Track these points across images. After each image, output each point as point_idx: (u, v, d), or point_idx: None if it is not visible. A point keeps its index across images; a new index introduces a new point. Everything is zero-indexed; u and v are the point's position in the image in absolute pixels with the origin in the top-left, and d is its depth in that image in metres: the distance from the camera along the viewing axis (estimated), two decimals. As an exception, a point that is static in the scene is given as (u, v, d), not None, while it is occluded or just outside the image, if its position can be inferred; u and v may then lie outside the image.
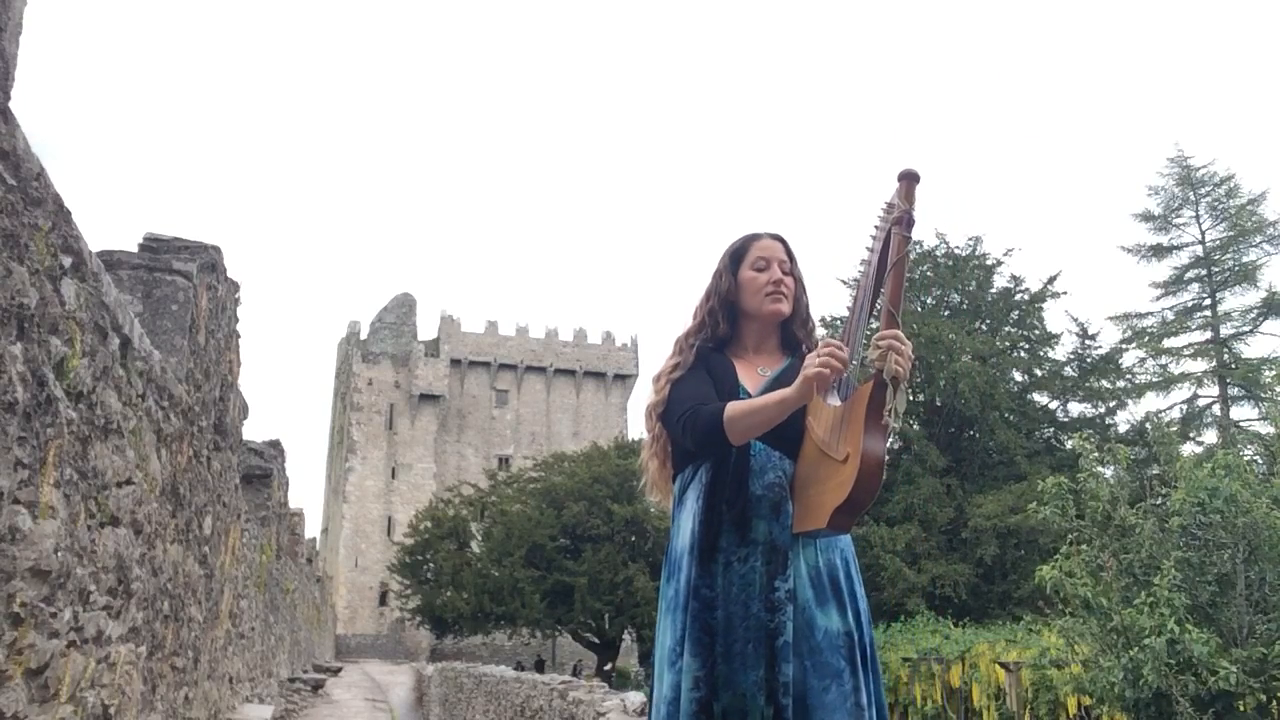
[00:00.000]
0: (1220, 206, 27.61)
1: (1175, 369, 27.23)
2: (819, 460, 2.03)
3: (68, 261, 2.51)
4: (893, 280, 1.94)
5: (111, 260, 4.11)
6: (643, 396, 2.37)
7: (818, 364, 1.92)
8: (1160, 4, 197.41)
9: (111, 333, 2.94)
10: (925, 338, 21.76)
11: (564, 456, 32.02)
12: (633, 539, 28.27)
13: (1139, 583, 6.32)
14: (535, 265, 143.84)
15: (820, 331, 2.46)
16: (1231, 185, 27.44)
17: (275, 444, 9.83)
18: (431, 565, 30.42)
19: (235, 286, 5.77)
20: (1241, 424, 25.66)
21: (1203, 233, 27.87)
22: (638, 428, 56.64)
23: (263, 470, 8.98)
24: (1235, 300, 27.41)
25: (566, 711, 8.08)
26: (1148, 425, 19.29)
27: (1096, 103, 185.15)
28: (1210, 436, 25.84)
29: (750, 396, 2.16)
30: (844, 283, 24.93)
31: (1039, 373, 25.14)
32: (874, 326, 2.04)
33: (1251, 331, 27.41)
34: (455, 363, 60.11)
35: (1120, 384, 25.65)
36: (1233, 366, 26.27)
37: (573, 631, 30.14)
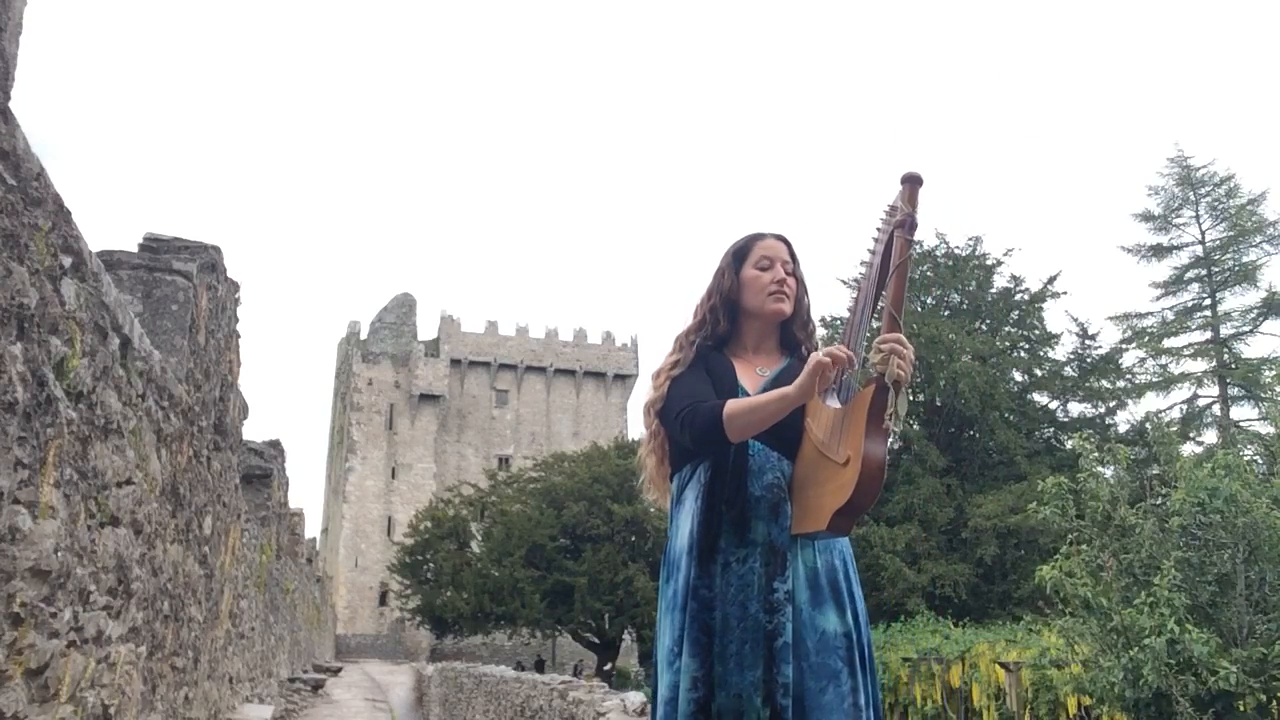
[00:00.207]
0: (1220, 206, 27.61)
1: (1175, 369, 27.25)
2: (818, 462, 2.03)
3: (68, 261, 2.51)
4: (895, 283, 1.93)
5: (111, 260, 4.11)
6: (643, 395, 2.37)
7: (823, 354, 1.92)
8: (1160, 4, 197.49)
9: (111, 333, 2.94)
10: (925, 338, 21.77)
11: (564, 456, 32.02)
12: (633, 539, 28.27)
13: (1139, 583, 6.32)
14: (535, 265, 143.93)
15: (820, 333, 2.47)
16: (1231, 185, 27.44)
17: (275, 444, 9.83)
18: (431, 565, 30.43)
19: (235, 286, 5.77)
20: (1241, 424, 25.66)
21: (1203, 233, 27.88)
22: (638, 428, 56.56)
23: (263, 470, 8.98)
24: (1235, 300, 27.44)
25: (566, 711, 8.08)
26: (1148, 425, 19.29)
27: (1096, 103, 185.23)
28: (1210, 436, 25.85)
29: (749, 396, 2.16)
30: (844, 282, 24.95)
31: (1039, 373, 25.14)
32: (874, 327, 2.04)
33: (1251, 331, 27.42)
34: (455, 363, 60.12)
35: (1120, 384, 25.66)
36: (1233, 366, 26.27)
37: (573, 631, 30.14)
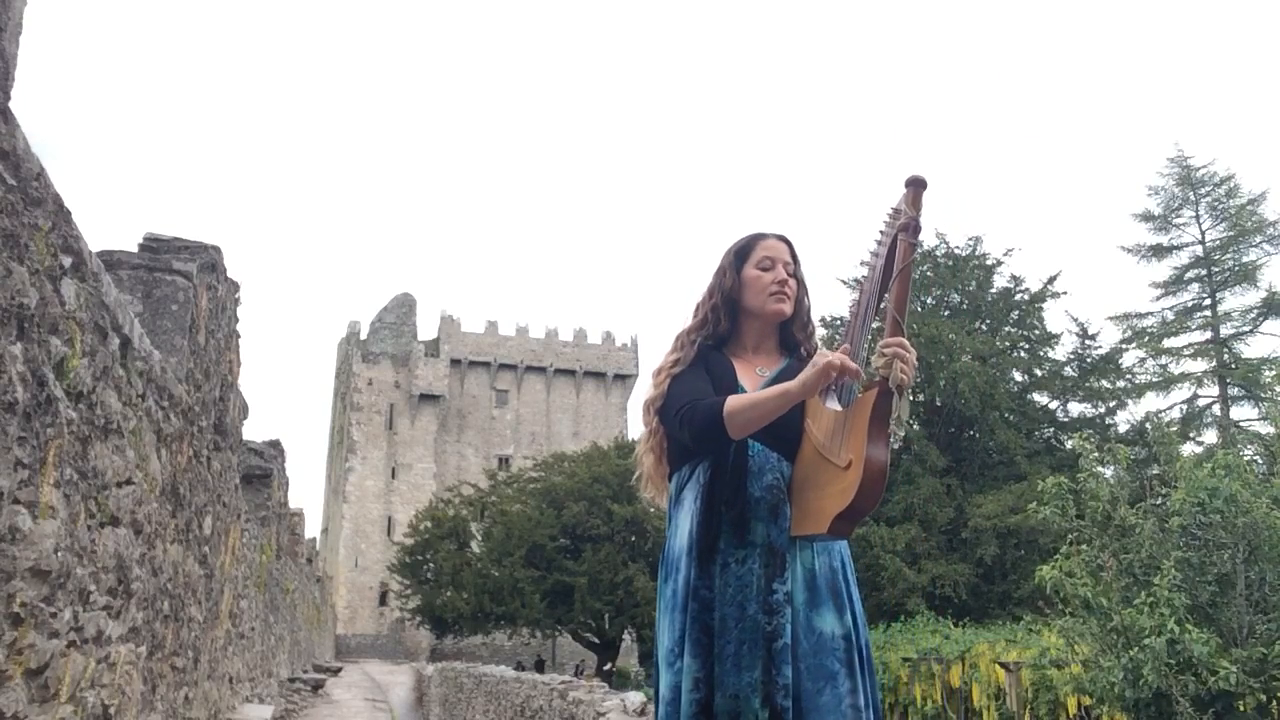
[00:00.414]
0: (1220, 206, 27.61)
1: (1175, 369, 27.25)
2: (818, 464, 2.02)
3: (68, 261, 2.51)
4: (898, 287, 1.93)
5: (111, 260, 4.11)
6: (643, 393, 2.37)
7: (837, 357, 1.92)
8: (1160, 4, 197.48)
9: (111, 333, 2.94)
10: (925, 338, 21.77)
11: (564, 456, 32.02)
12: (633, 539, 28.27)
13: (1139, 583, 6.31)
14: (535, 265, 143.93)
15: (820, 333, 2.47)
16: (1231, 185, 27.44)
17: (275, 444, 9.83)
18: (431, 565, 30.43)
19: (235, 286, 5.77)
20: (1241, 424, 25.65)
21: (1203, 233, 27.87)
22: (638, 428, 56.51)
23: (263, 470, 8.98)
24: (1235, 300, 27.44)
25: (566, 711, 8.08)
26: (1148, 425, 19.29)
27: (1096, 103, 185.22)
28: (1210, 436, 25.85)
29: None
30: (844, 282, 24.95)
31: (1039, 373, 25.14)
32: (876, 329, 2.04)
33: (1251, 331, 27.42)
34: (455, 363, 60.12)
35: (1120, 384, 25.65)
36: (1233, 366, 26.27)
37: (573, 631, 30.14)
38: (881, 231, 2.03)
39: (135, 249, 4.35)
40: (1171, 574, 5.95)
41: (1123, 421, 24.63)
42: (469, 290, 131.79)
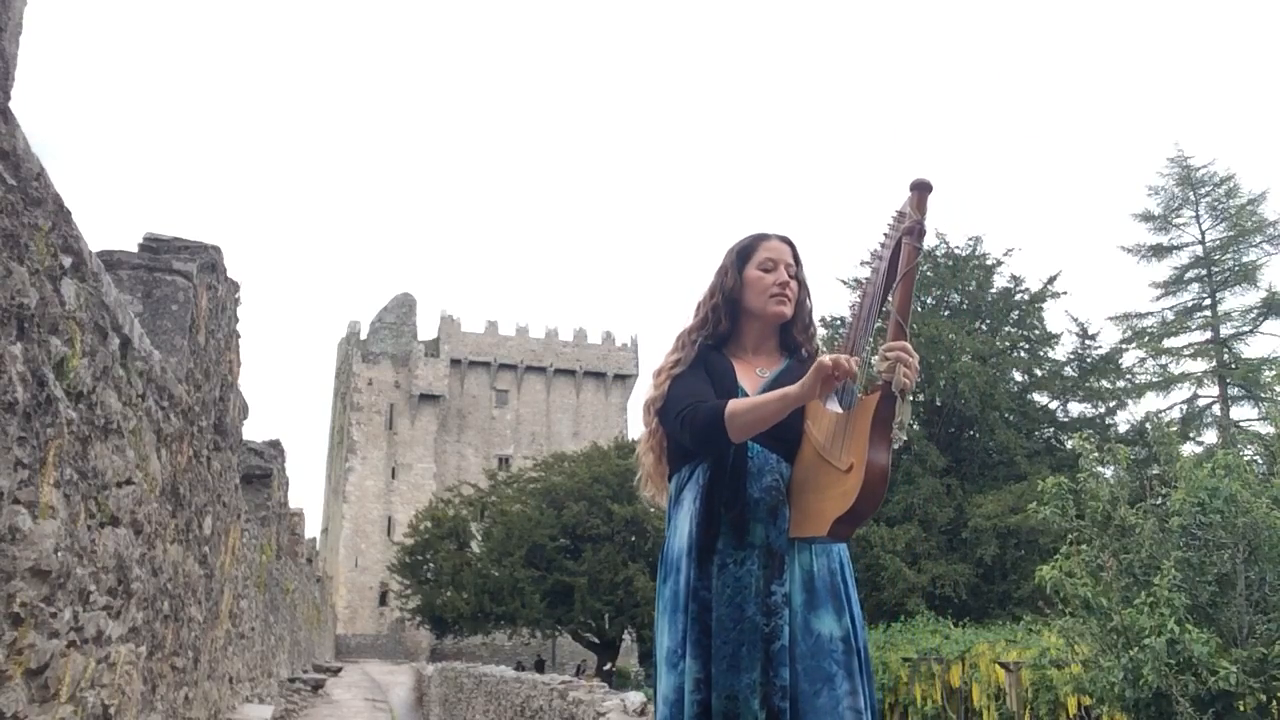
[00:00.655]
0: (1220, 206, 27.60)
1: (1175, 369, 27.24)
2: (818, 466, 2.02)
3: (68, 261, 2.51)
4: (902, 290, 1.93)
5: (111, 260, 4.11)
6: (643, 393, 2.38)
7: (830, 360, 1.92)
8: (1160, 4, 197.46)
9: (111, 333, 2.94)
10: (925, 338, 21.76)
11: (564, 456, 32.02)
12: (633, 539, 28.27)
13: (1139, 583, 6.31)
14: (535, 265, 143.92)
15: (821, 333, 2.47)
16: (1231, 185, 27.43)
17: (275, 444, 9.83)
18: (431, 565, 30.43)
19: (235, 286, 5.77)
20: (1241, 424, 25.65)
21: (1203, 233, 27.87)
22: (638, 428, 56.51)
23: (263, 470, 8.98)
24: (1235, 300, 27.43)
25: (566, 711, 8.08)
26: (1148, 425, 19.27)
27: (1096, 103, 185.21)
28: (1210, 436, 25.85)
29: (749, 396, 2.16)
30: (844, 282, 24.95)
31: (1039, 373, 25.13)
32: (879, 329, 2.04)
33: (1251, 331, 27.41)
34: (455, 363, 60.12)
35: (1120, 384, 25.64)
36: (1233, 366, 26.26)
37: (573, 631, 30.14)
38: (885, 234, 2.02)
39: (135, 249, 4.35)
40: (1171, 574, 5.95)
41: (1123, 421, 24.64)
42: (469, 290, 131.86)
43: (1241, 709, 5.74)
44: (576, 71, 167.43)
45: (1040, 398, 25.33)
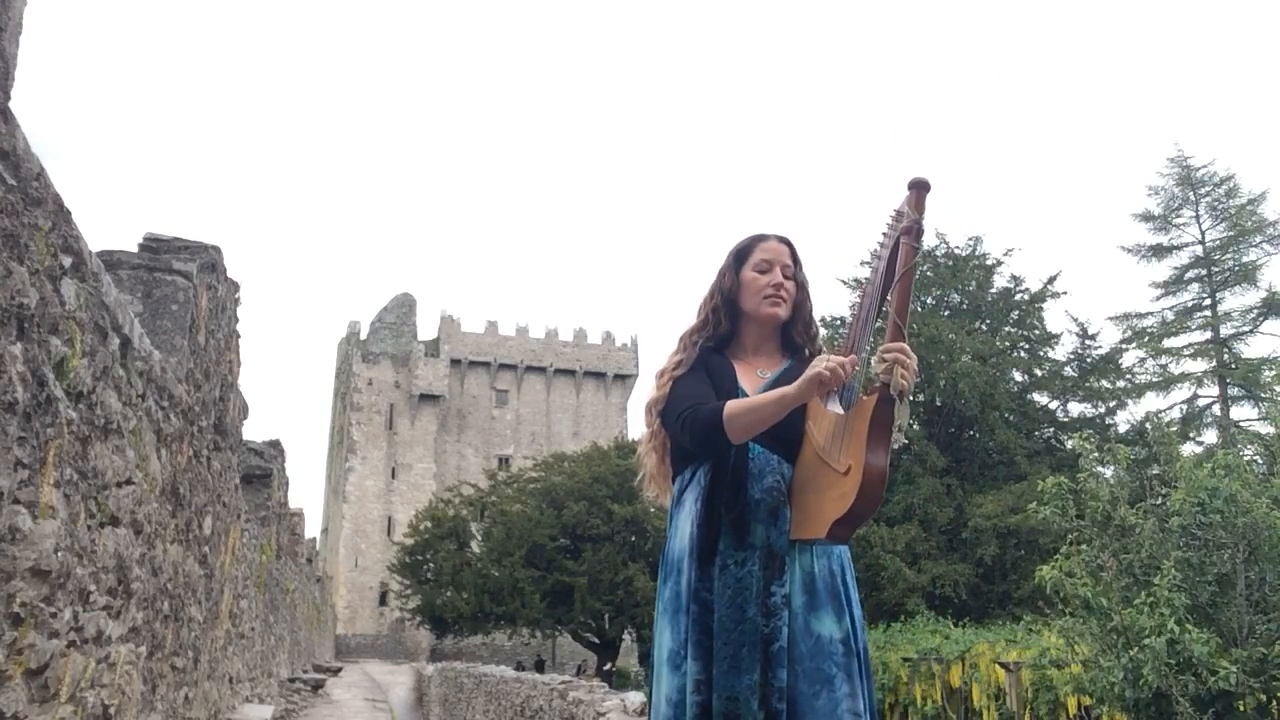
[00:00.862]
0: (1220, 206, 27.60)
1: (1175, 369, 27.24)
2: (818, 467, 2.02)
3: (68, 261, 2.51)
4: (899, 291, 1.92)
5: (111, 260, 4.11)
6: (643, 396, 2.38)
7: (824, 367, 1.91)
8: (1160, 4, 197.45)
9: (111, 333, 2.94)
10: (925, 338, 21.77)
11: (564, 456, 32.02)
12: (633, 539, 28.27)
13: (1139, 583, 6.31)
14: (535, 265, 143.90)
15: (822, 333, 2.45)
16: (1231, 185, 27.43)
17: (275, 444, 9.83)
18: (431, 565, 30.43)
19: (235, 286, 5.77)
20: (1241, 424, 25.64)
21: (1203, 233, 27.87)
22: (638, 428, 56.52)
23: (263, 470, 8.98)
24: (1235, 300, 27.43)
25: (566, 711, 8.08)
26: (1148, 425, 19.27)
27: (1096, 102, 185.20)
28: (1210, 436, 25.85)
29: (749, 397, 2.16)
30: (844, 282, 24.95)
31: (1039, 373, 25.13)
32: (878, 329, 2.03)
33: (1251, 331, 27.42)
34: (455, 363, 60.11)
35: (1120, 384, 25.64)
36: (1233, 366, 26.26)
37: (573, 631, 30.14)
38: (884, 234, 2.02)
39: (135, 249, 4.35)
40: (1171, 574, 5.95)
41: (1123, 421, 24.64)
42: (469, 290, 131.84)
43: (1241, 709, 5.74)
44: (576, 71, 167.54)
45: (1040, 398, 25.33)
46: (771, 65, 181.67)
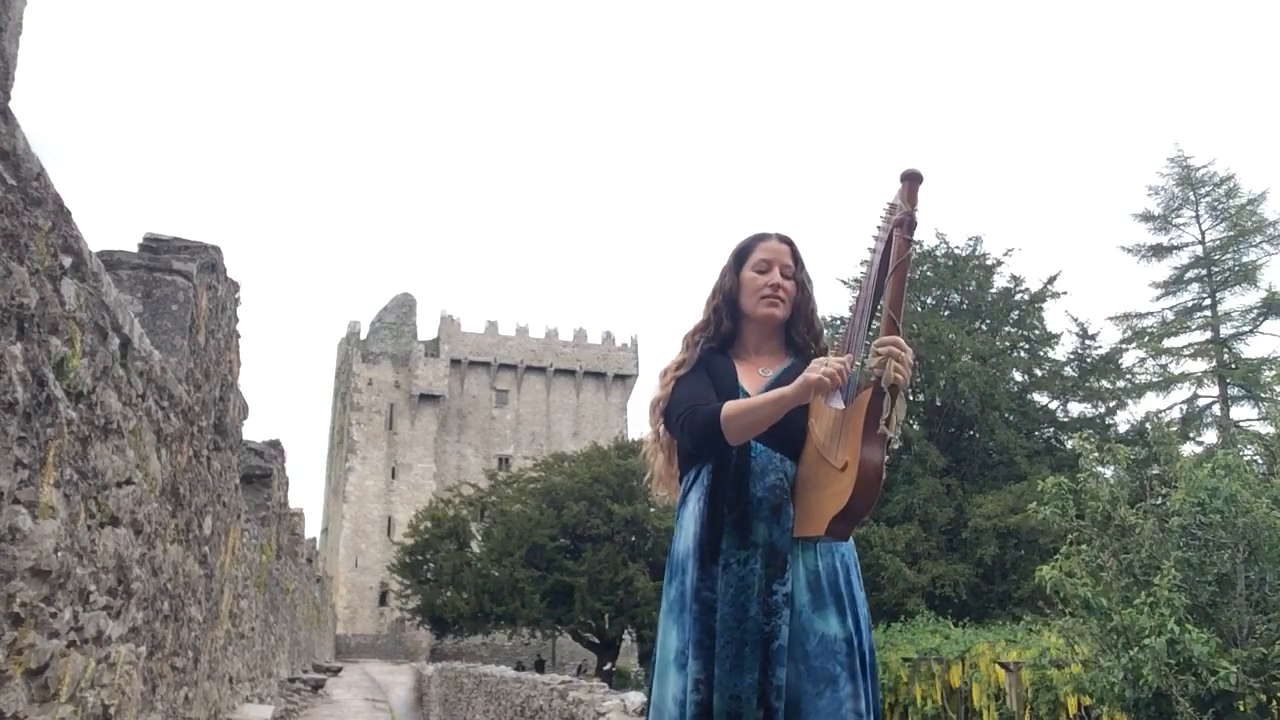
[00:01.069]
0: (1220, 206, 27.62)
1: (1175, 369, 27.26)
2: (819, 464, 2.02)
3: (68, 261, 2.51)
4: (893, 284, 1.91)
5: (111, 260, 4.11)
6: (643, 396, 2.39)
7: (821, 372, 1.91)
8: (1160, 4, 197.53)
9: (111, 333, 2.94)
10: (925, 338, 21.78)
11: (564, 456, 32.03)
12: (633, 539, 28.27)
13: (1139, 583, 6.32)
14: (535, 265, 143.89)
15: (825, 333, 2.45)
16: (1231, 185, 27.45)
17: (275, 444, 9.83)
18: (431, 565, 30.44)
19: (235, 286, 5.77)
20: (1241, 424, 25.65)
21: (1203, 233, 27.89)
22: (638, 428, 56.63)
23: (263, 470, 8.98)
24: (1235, 300, 27.45)
25: (566, 711, 8.08)
26: (1148, 425, 19.27)
27: (1096, 102, 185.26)
28: (1210, 436, 25.85)
29: (749, 397, 2.16)
30: (844, 282, 24.97)
31: (1039, 373, 25.15)
32: (876, 327, 2.03)
33: (1251, 331, 27.43)
34: (455, 363, 60.12)
35: (1120, 384, 25.67)
36: (1233, 366, 26.28)
37: (573, 631, 30.15)
38: (878, 227, 2.01)
39: (135, 249, 4.35)
40: (1171, 574, 5.95)
41: (1123, 421, 24.66)
42: (469, 290, 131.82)
43: (1241, 709, 5.74)
44: (576, 71, 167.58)
45: (1040, 398, 25.35)
46: (772, 65, 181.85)
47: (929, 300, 25.18)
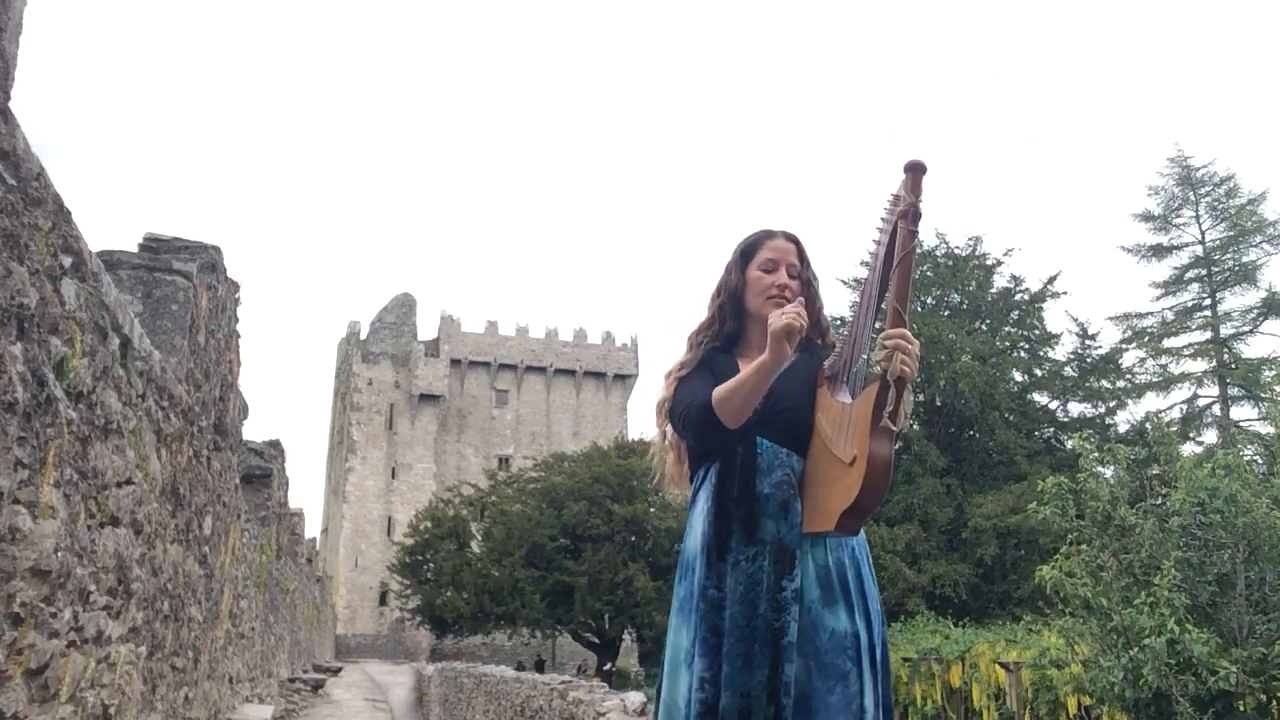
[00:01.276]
0: (1220, 206, 27.64)
1: (1175, 369, 27.28)
2: (826, 459, 2.01)
3: (68, 261, 2.51)
4: (898, 277, 1.89)
5: (111, 260, 4.11)
6: (644, 396, 2.39)
7: (781, 321, 1.92)
8: (1160, 4, 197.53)
9: (111, 333, 2.94)
10: (925, 338, 21.79)
11: (564, 456, 32.04)
12: (633, 539, 28.28)
13: (1139, 583, 6.32)
14: (535, 265, 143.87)
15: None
16: (1231, 185, 27.47)
17: (275, 444, 9.83)
18: (431, 565, 30.45)
19: (235, 286, 5.77)
20: (1241, 424, 25.67)
21: (1203, 233, 27.90)
22: (638, 428, 56.72)
23: (263, 470, 8.98)
24: (1235, 300, 27.48)
25: (566, 711, 8.08)
26: (1148, 425, 19.27)
27: (1096, 102, 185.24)
28: (1210, 436, 25.87)
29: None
30: (844, 282, 24.97)
31: (1039, 373, 25.17)
32: (880, 322, 2.02)
33: (1251, 331, 27.45)
34: (455, 363, 60.12)
35: (1120, 384, 25.69)
36: (1233, 366, 26.29)
37: (573, 631, 30.16)
38: (882, 219, 1.99)
39: (135, 249, 4.35)
40: (1171, 574, 5.95)
41: (1123, 421, 24.69)
42: (469, 290, 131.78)
43: (1241, 709, 5.74)
44: (576, 71, 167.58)
45: (1040, 398, 25.36)
46: (773, 64, 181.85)
47: (929, 300, 25.19)
